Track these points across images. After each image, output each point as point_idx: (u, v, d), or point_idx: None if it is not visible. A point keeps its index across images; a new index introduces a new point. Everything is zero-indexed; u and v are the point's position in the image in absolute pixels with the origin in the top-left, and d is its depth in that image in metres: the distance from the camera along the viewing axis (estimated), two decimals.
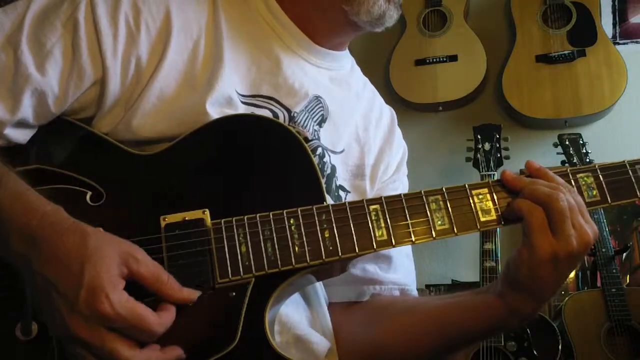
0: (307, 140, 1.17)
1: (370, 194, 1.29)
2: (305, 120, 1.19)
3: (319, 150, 1.19)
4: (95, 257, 0.85)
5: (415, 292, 1.33)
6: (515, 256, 1.00)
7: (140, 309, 0.86)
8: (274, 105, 1.16)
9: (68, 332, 0.85)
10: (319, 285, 1.23)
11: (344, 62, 1.32)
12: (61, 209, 0.91)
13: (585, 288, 2.98)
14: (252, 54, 1.17)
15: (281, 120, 1.16)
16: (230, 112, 1.10)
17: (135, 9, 1.08)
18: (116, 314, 0.84)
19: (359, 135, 1.30)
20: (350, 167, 1.26)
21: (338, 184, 1.23)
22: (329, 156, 1.22)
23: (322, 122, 1.23)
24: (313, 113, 1.21)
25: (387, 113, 1.40)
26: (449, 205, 1.02)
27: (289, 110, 1.17)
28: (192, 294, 0.93)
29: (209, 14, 1.16)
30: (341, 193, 1.23)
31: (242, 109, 1.13)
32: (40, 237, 0.87)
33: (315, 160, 1.15)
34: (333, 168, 1.22)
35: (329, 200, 1.12)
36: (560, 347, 2.66)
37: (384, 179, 1.33)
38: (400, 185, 1.37)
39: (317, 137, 1.20)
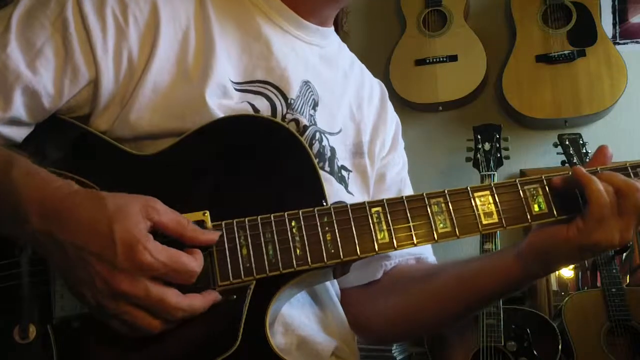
0: (305, 127, 1.17)
1: (370, 172, 1.30)
2: (301, 106, 1.19)
3: (317, 135, 1.20)
4: (119, 215, 0.87)
5: (431, 259, 1.35)
6: (557, 233, 1.03)
7: (177, 253, 0.89)
8: (270, 91, 1.17)
9: (112, 290, 0.86)
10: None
11: (332, 39, 1.33)
12: (73, 182, 0.93)
13: (585, 288, 2.98)
14: (242, 40, 1.18)
15: (279, 109, 1.16)
16: (226, 102, 1.10)
17: (122, 4, 1.08)
18: (157, 261, 0.86)
19: (354, 113, 1.31)
20: (348, 146, 1.28)
21: (340, 164, 1.23)
22: (327, 139, 1.22)
23: (315, 105, 1.23)
24: (307, 98, 1.22)
25: (377, 88, 1.42)
26: (450, 208, 1.02)
27: (285, 97, 1.17)
28: (214, 235, 0.96)
29: (195, 2, 1.16)
30: (344, 173, 1.24)
31: (237, 97, 1.13)
32: (59, 210, 0.88)
33: (315, 145, 1.17)
34: (332, 150, 1.22)
35: (333, 189, 1.13)
36: (560, 347, 2.66)
37: (382, 156, 1.35)
38: (400, 160, 1.40)
39: (313, 122, 1.21)
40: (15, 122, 1.04)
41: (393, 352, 2.74)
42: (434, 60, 3.29)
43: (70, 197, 0.90)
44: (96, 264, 0.86)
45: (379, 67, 3.40)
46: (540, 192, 1.04)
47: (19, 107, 1.02)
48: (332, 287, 1.25)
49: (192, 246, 0.93)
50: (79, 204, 0.89)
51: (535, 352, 2.67)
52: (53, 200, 0.89)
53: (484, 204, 1.03)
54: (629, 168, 1.05)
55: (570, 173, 1.03)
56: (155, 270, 0.86)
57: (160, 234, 0.91)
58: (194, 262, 0.90)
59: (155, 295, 0.87)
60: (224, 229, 0.98)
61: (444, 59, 3.28)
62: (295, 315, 1.12)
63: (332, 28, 1.33)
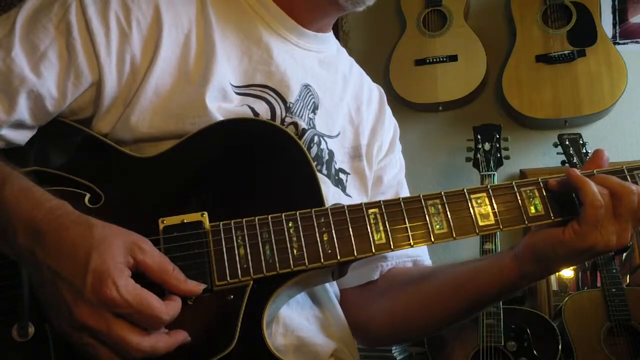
0: (304, 131, 1.18)
1: (368, 175, 1.31)
2: (301, 110, 1.20)
3: (316, 138, 1.20)
4: (101, 245, 0.86)
5: (428, 262, 1.35)
6: (554, 235, 1.02)
7: (146, 295, 0.86)
8: (269, 95, 1.17)
9: (74, 320, 0.85)
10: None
11: (331, 44, 1.34)
12: (66, 203, 0.92)
13: (585, 288, 2.98)
14: (242, 45, 1.19)
15: (278, 113, 1.17)
16: (226, 105, 1.11)
17: (125, 8, 1.09)
18: (123, 299, 0.84)
19: (352, 116, 1.32)
20: (347, 149, 1.28)
21: (337, 167, 1.24)
22: (326, 142, 1.23)
23: (315, 109, 1.24)
24: (306, 102, 1.22)
25: (375, 92, 1.43)
26: (447, 209, 1.02)
27: (284, 101, 1.18)
28: (197, 287, 0.93)
29: (197, 6, 1.17)
30: (342, 176, 1.24)
31: (236, 101, 1.13)
32: (46, 230, 0.88)
33: (314, 149, 1.18)
34: (330, 153, 1.23)
35: (329, 191, 1.14)
36: (560, 347, 2.66)
37: (379, 158, 1.36)
38: (397, 163, 1.41)
39: (312, 125, 1.22)
40: (19, 125, 1.04)
41: (393, 352, 2.74)
42: (434, 60, 3.29)
43: (59, 218, 0.89)
44: (64, 290, 0.85)
45: (379, 67, 3.41)
46: (537, 194, 1.04)
47: (23, 110, 1.03)
48: (331, 289, 1.25)
49: (174, 293, 0.92)
50: (66, 227, 0.88)
51: (535, 352, 2.68)
52: (42, 221, 0.89)
53: (481, 205, 1.03)
54: (625, 170, 1.05)
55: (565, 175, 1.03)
56: (119, 307, 0.84)
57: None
58: (163, 309, 0.87)
59: (116, 334, 0.85)
60: (221, 230, 0.98)
61: (444, 59, 3.28)
62: (295, 317, 1.12)
63: (331, 33, 1.34)
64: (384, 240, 1.00)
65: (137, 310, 0.85)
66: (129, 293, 0.85)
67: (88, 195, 1.01)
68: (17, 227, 0.89)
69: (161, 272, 0.90)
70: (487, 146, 2.95)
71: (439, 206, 1.02)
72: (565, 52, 3.10)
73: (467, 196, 1.03)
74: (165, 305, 0.88)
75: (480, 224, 1.02)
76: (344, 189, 1.24)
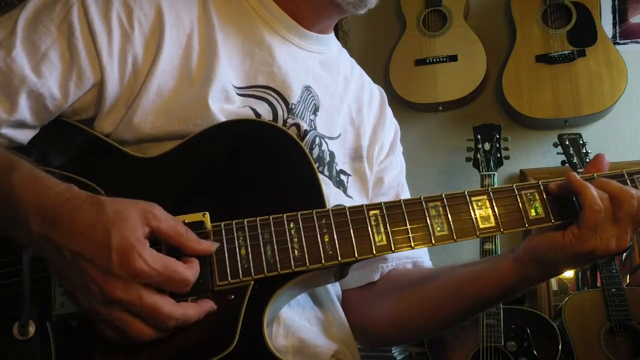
0: (305, 132, 1.18)
1: (369, 176, 1.31)
2: (302, 111, 1.20)
3: (317, 140, 1.21)
4: (117, 221, 0.87)
5: (428, 264, 1.36)
6: (554, 239, 1.03)
7: (172, 262, 0.89)
8: (271, 96, 1.18)
9: (105, 296, 0.86)
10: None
11: (332, 45, 1.34)
12: (74, 186, 0.93)
13: (585, 288, 2.98)
14: (243, 46, 1.19)
15: (280, 114, 1.17)
16: (228, 106, 1.11)
17: (127, 8, 1.09)
18: (152, 268, 0.86)
19: (353, 117, 1.33)
20: (348, 150, 1.29)
21: (339, 168, 1.25)
22: (327, 143, 1.23)
23: (315, 110, 1.24)
24: (307, 103, 1.23)
25: (376, 93, 1.43)
26: (448, 212, 1.02)
27: (286, 102, 1.18)
28: (211, 246, 0.96)
29: (199, 7, 1.17)
30: (342, 177, 1.25)
31: (239, 102, 1.14)
32: (59, 214, 0.89)
33: (315, 150, 1.18)
34: (332, 154, 1.24)
35: (331, 192, 1.14)
36: (560, 347, 2.66)
37: (380, 159, 1.36)
38: (398, 165, 1.41)
39: (313, 126, 1.22)
40: (20, 124, 1.05)
41: (393, 352, 2.75)
42: (434, 60, 3.29)
43: (69, 201, 0.90)
44: (91, 269, 0.86)
45: (379, 67, 3.41)
46: (537, 197, 1.04)
47: (24, 110, 1.03)
48: (333, 290, 1.26)
49: (190, 255, 0.93)
50: (78, 209, 0.89)
51: (535, 352, 2.68)
52: (53, 205, 0.89)
53: (481, 207, 1.03)
54: (625, 175, 1.06)
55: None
56: (149, 277, 0.87)
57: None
58: (189, 271, 0.91)
59: (148, 303, 0.87)
60: (223, 230, 0.98)
61: (444, 59, 3.28)
62: (296, 318, 1.13)
63: (332, 34, 1.34)
64: (384, 242, 1.00)
65: (166, 277, 0.88)
66: (156, 262, 0.87)
67: None
68: (28, 214, 0.90)
69: (177, 236, 0.92)
70: (487, 146, 2.95)
71: (440, 208, 1.02)
72: (565, 52, 3.11)
73: (468, 198, 1.03)
74: (189, 267, 0.91)
75: (481, 226, 1.02)
76: (345, 190, 1.24)
